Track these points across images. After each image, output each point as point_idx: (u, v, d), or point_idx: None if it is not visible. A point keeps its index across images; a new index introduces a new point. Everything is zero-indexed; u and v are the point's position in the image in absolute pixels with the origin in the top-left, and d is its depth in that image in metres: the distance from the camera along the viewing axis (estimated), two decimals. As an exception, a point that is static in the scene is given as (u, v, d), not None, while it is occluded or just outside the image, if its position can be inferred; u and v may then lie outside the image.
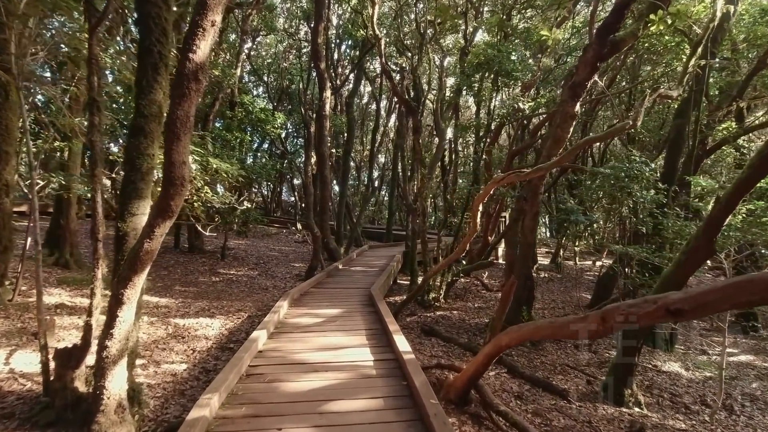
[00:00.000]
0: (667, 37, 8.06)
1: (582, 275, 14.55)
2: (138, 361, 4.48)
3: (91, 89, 3.15)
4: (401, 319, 7.40)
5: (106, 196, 5.49)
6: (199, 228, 6.15)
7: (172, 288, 7.55)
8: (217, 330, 5.71)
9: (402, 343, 4.41)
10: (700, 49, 5.51)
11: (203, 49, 2.84)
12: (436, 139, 14.36)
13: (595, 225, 7.25)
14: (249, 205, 6.56)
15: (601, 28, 5.88)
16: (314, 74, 16.45)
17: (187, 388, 4.13)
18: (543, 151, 7.29)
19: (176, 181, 2.92)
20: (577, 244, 17.95)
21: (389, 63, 15.46)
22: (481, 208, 4.98)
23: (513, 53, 7.36)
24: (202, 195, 5.81)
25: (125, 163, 3.35)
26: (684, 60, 9.74)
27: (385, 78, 19.18)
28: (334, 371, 3.96)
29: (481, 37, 14.81)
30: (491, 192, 4.80)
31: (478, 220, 5.08)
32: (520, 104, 6.98)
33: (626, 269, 7.22)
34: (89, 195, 6.53)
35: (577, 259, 17.73)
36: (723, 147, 9.34)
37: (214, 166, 5.16)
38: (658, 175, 6.73)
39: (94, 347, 3.27)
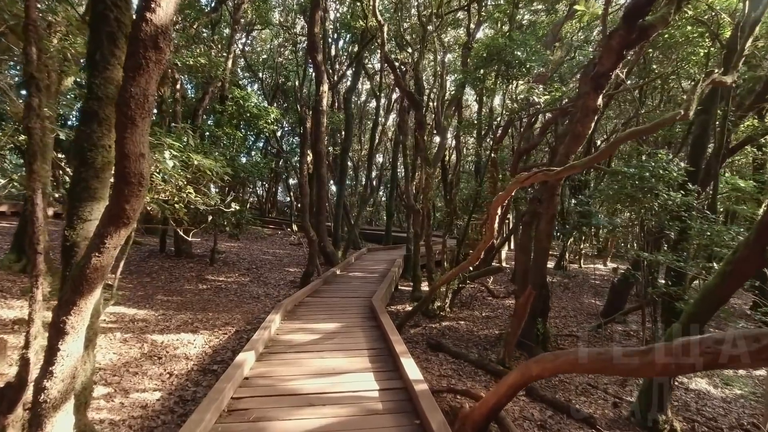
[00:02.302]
0: (689, 28, 7.52)
1: (588, 280, 14.02)
2: (102, 390, 3.84)
3: (28, 63, 2.51)
4: (405, 332, 6.78)
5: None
6: (181, 232, 5.49)
7: (153, 297, 6.88)
8: (200, 348, 5.06)
9: (411, 368, 3.79)
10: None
11: (165, 7, 2.21)
12: (436, 138, 13.81)
13: (613, 228, 6.68)
14: (237, 206, 5.94)
15: (630, 12, 5.30)
16: (311, 70, 15.81)
17: (159, 424, 3.49)
18: (560, 148, 6.72)
19: (132, 179, 2.29)
20: (582, 247, 17.49)
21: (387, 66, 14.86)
22: (499, 211, 4.38)
23: (526, 41, 6.77)
24: (184, 195, 5.15)
25: (75, 157, 2.72)
26: (702, 54, 9.26)
27: (386, 71, 18.58)
28: (332, 405, 3.34)
29: (481, 34, 14.27)
30: (513, 194, 4.20)
31: (496, 225, 4.48)
32: (535, 97, 6.41)
33: (649, 276, 6.65)
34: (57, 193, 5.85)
35: (582, 262, 17.25)
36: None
37: (196, 162, 4.52)
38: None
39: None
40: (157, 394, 3.95)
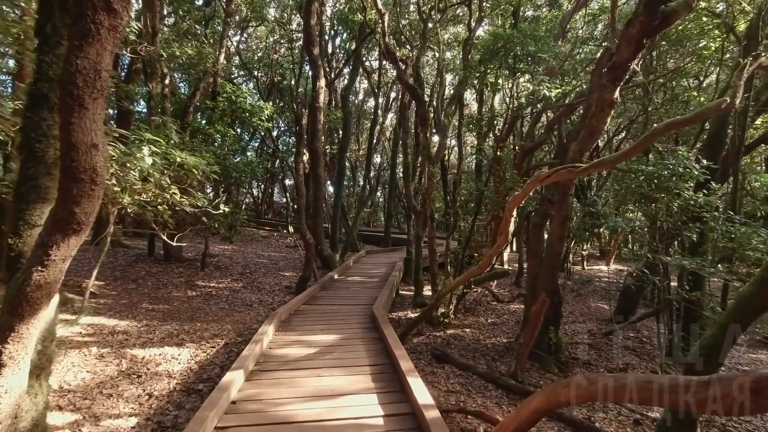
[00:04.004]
0: (704, 19, 7.17)
1: (593, 282, 13.66)
2: (68, 417, 3.38)
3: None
4: (408, 341, 6.36)
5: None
6: (164, 236, 5.05)
7: (137, 306, 6.40)
8: (185, 364, 4.60)
9: (419, 389, 3.36)
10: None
11: (119, -42, 1.79)
12: (435, 137, 13.40)
13: (632, 231, 6.29)
14: (226, 209, 5.50)
15: (652, -4, 4.92)
16: (307, 68, 15.37)
17: (131, 458, 3.04)
18: (573, 145, 6.33)
19: (81, 175, 1.85)
20: (585, 248, 17.13)
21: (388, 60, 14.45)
22: (515, 213, 3.98)
23: (535, 33, 6.38)
24: (168, 196, 4.70)
25: (21, 150, 2.27)
26: (713, 48, 8.92)
27: (384, 69, 18.14)
28: (331, 436, 2.91)
29: (481, 32, 13.87)
30: (530, 193, 3.80)
31: (511, 228, 4.07)
32: (545, 91, 6.01)
33: (666, 281, 6.26)
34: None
35: (585, 263, 16.90)
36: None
37: (179, 160, 4.09)
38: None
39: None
40: (132, 421, 3.50)
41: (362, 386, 3.70)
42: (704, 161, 5.54)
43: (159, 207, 4.96)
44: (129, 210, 4.91)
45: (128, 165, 3.76)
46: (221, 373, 4.33)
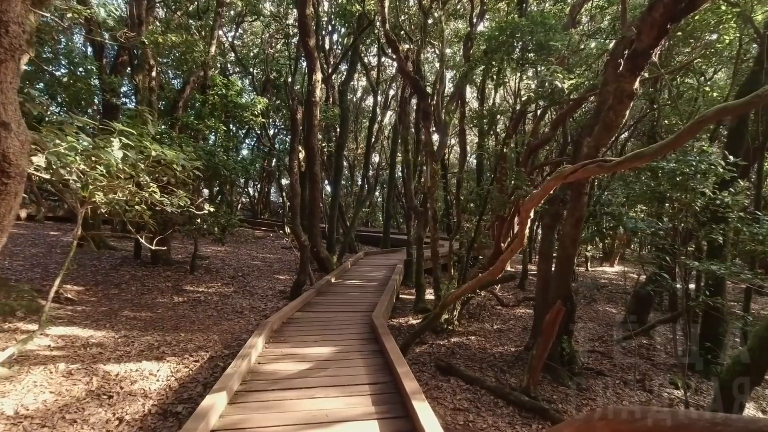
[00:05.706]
0: (723, 8, 6.77)
1: (598, 284, 13.27)
2: (20, 452, 2.91)
3: None
4: (410, 351, 5.92)
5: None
6: (142, 239, 4.59)
7: (118, 314, 5.93)
8: (163, 381, 4.14)
9: (427, 417, 2.92)
10: None
11: None
12: (434, 136, 12.98)
13: (654, 233, 5.87)
14: (210, 208, 5.06)
15: (678, -24, 4.51)
16: (303, 64, 14.91)
17: (90, 503, 2.58)
18: (587, 140, 5.91)
19: (-13, 164, 1.40)
20: (588, 249, 16.75)
21: (388, 50, 14.03)
22: (532, 214, 3.55)
23: (545, 20, 5.96)
24: (146, 195, 4.25)
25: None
26: (727, 42, 8.53)
27: (385, 60, 17.67)
28: (324, 477, 2.47)
29: (482, 28, 13.43)
30: (552, 191, 3.37)
31: (526, 231, 3.63)
32: (558, 82, 5.59)
33: (687, 286, 5.84)
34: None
35: (589, 265, 16.54)
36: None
37: (154, 153, 3.63)
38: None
39: None
40: (96, 453, 3.04)
41: (361, 410, 3.26)
42: (731, 157, 5.13)
43: (137, 207, 4.51)
44: (103, 210, 4.45)
45: (94, 159, 3.30)
46: (204, 392, 3.88)
